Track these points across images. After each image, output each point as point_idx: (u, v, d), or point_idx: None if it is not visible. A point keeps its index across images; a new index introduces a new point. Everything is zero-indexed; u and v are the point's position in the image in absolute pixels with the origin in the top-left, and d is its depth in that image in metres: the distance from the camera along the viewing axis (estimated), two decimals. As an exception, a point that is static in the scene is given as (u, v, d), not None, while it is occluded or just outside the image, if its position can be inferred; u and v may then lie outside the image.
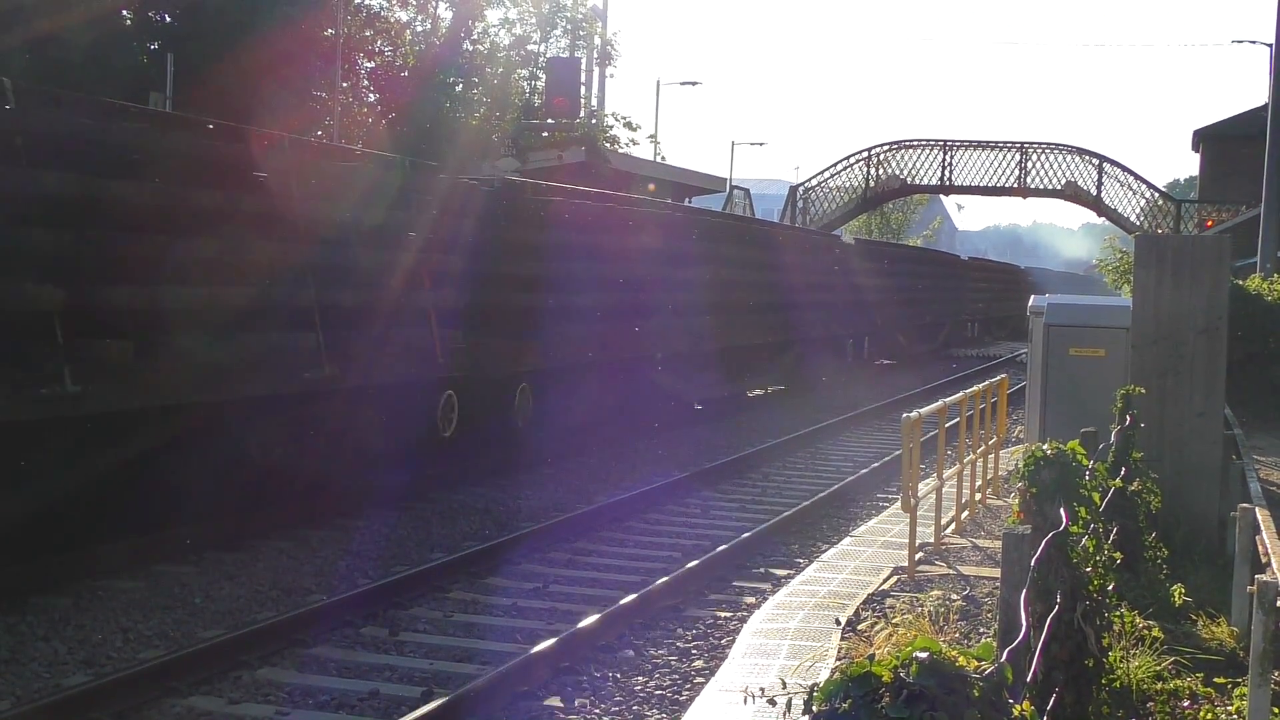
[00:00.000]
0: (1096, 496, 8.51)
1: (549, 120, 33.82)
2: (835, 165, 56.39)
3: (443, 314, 16.83)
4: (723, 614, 11.66)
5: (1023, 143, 54.19)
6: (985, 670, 4.11)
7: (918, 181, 56.19)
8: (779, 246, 31.81)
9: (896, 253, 49.77)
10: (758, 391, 32.05)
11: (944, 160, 54.76)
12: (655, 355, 23.79)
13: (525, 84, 39.62)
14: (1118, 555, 8.87)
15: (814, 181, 56.64)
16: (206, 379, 12.81)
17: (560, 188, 21.62)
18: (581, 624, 10.63)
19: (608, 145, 37.01)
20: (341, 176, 15.40)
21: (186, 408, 12.65)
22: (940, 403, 13.70)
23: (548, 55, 38.66)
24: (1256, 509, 10.85)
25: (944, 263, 57.03)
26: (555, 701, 9.31)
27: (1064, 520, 6.88)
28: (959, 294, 56.28)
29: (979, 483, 15.51)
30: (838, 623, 10.07)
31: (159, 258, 12.26)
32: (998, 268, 78.67)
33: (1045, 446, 8.31)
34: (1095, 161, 53.60)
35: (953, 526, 13.83)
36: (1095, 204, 53.71)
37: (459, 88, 35.88)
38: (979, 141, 54.82)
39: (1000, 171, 54.02)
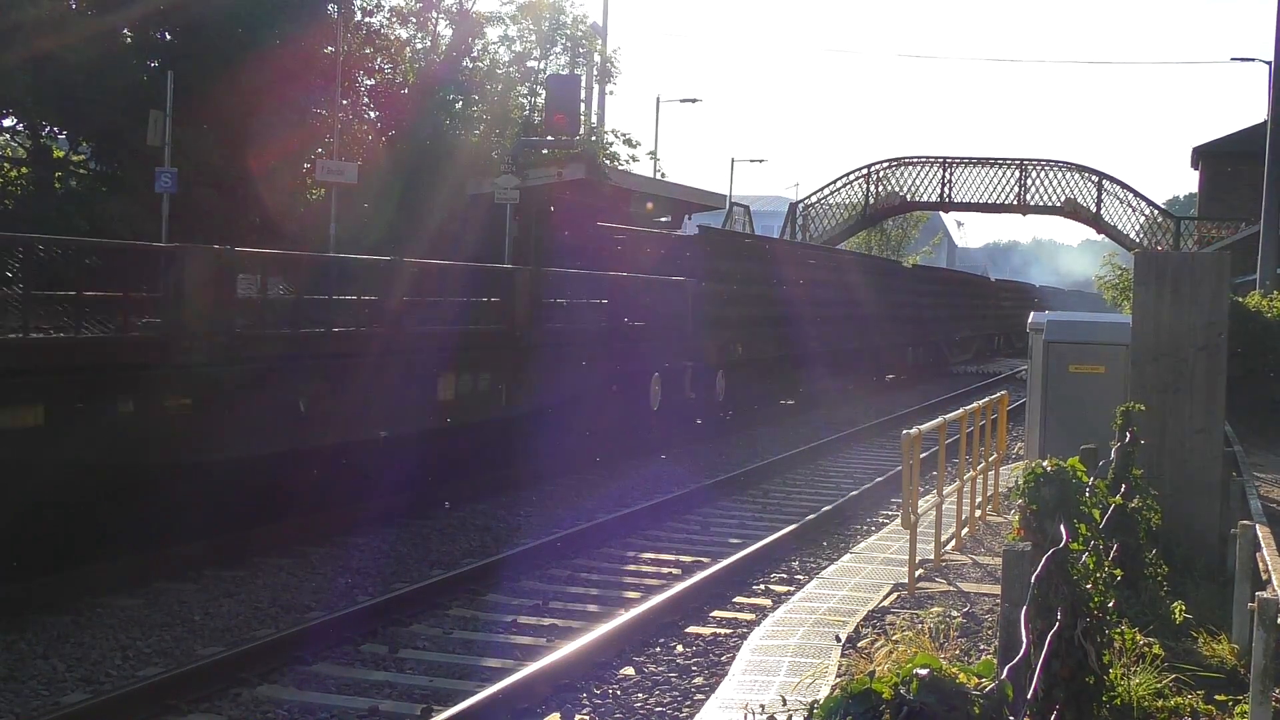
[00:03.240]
0: (1097, 513, 8.50)
1: (548, 137, 33.82)
2: (835, 182, 56.38)
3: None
4: (723, 631, 11.64)
5: (1022, 160, 54.16)
6: (986, 687, 4.10)
7: (918, 198, 56.19)
8: (965, 283, 65.64)
9: (1005, 285, 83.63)
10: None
11: (944, 177, 54.76)
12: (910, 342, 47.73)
13: (525, 101, 39.66)
14: (1118, 572, 8.85)
15: (814, 198, 56.64)
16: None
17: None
18: (581, 641, 10.62)
19: (607, 162, 37.04)
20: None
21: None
22: (940, 419, 13.70)
23: (547, 72, 38.68)
24: (1257, 526, 10.84)
25: (1024, 290, 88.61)
26: (555, 719, 9.30)
27: (1064, 537, 6.87)
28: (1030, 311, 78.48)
29: (979, 499, 15.49)
30: (838, 639, 10.06)
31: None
32: (1054, 291, 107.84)
33: (1045, 463, 8.29)
34: (1095, 178, 53.60)
35: (953, 543, 13.81)
36: (1095, 221, 53.70)
37: (459, 105, 35.92)
38: (979, 158, 54.81)
39: (1000, 188, 54.03)
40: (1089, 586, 6.96)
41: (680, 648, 11.12)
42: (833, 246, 51.28)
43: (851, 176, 56.06)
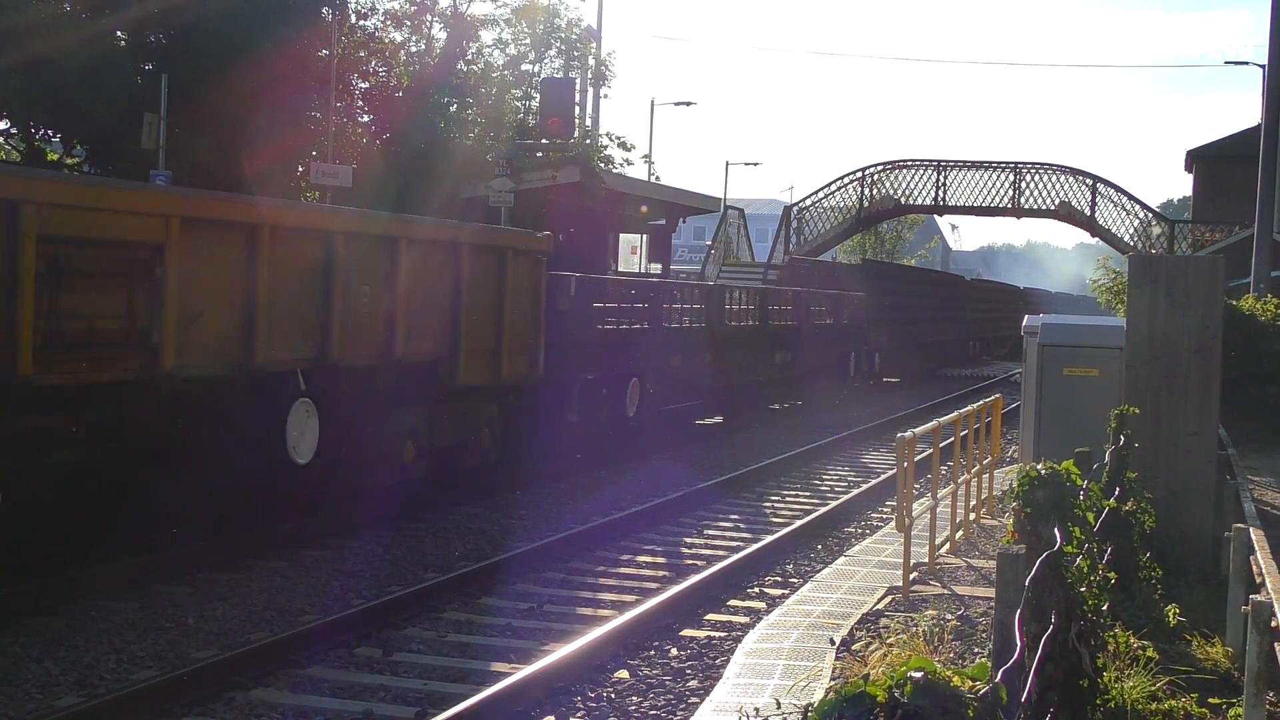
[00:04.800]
0: (1091, 516, 8.50)
1: (543, 140, 33.78)
2: (829, 185, 56.38)
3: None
4: (717, 634, 11.64)
5: (1017, 163, 54.17)
6: (980, 691, 4.11)
7: (912, 201, 56.19)
8: (1005, 291, 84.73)
9: (1031, 291, 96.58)
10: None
11: (938, 180, 54.78)
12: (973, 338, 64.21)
13: (519, 104, 39.59)
14: (1112, 575, 8.86)
15: (808, 201, 56.63)
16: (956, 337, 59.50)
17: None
18: (575, 644, 10.62)
19: (602, 165, 37.00)
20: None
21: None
22: (934, 422, 13.70)
23: (542, 75, 38.62)
24: (1250, 529, 10.86)
25: (1044, 295, 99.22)
26: (549, 722, 9.31)
27: (1058, 540, 6.88)
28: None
29: (973, 502, 15.51)
30: (832, 642, 10.07)
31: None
32: (1066, 296, 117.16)
33: (1040, 466, 8.30)
34: (1089, 182, 53.64)
35: (947, 546, 13.82)
36: (1089, 224, 53.74)
37: (453, 108, 35.86)
38: (973, 162, 54.84)
39: (994, 192, 54.06)
40: (1083, 590, 6.98)
41: (675, 650, 11.11)
42: (829, 251, 52.52)
43: (846, 180, 56.07)
